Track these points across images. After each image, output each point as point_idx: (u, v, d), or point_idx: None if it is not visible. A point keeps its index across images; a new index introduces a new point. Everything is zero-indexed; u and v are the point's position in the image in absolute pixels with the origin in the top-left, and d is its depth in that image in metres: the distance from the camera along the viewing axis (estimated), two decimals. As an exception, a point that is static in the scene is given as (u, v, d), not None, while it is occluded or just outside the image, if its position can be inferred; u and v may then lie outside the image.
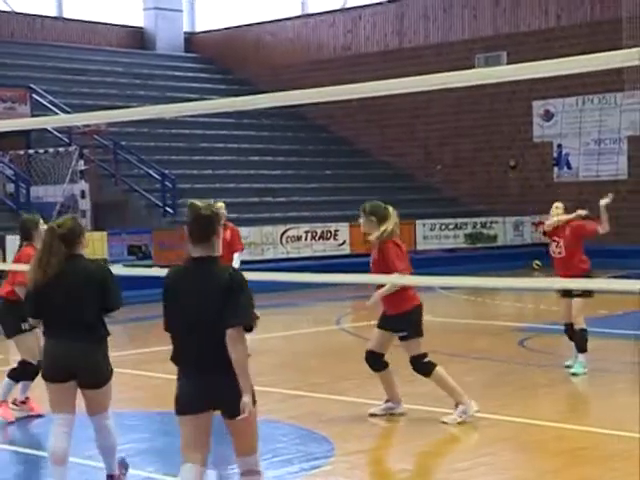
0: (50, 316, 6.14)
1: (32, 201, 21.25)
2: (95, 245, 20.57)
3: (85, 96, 26.36)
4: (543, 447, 7.34)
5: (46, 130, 22.48)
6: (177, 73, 31.05)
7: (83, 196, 21.66)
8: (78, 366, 6.03)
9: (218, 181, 25.46)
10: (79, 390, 6.15)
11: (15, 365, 8.47)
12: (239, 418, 4.95)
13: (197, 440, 5.18)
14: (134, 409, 8.86)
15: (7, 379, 8.47)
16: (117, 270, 7.66)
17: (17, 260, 8.16)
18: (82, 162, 21.65)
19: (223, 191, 25.21)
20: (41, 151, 22.18)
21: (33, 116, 22.06)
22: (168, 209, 22.75)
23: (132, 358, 11.57)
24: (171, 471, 6.86)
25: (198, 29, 34.23)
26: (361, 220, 8.50)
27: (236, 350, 4.94)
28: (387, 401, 8.37)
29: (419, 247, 24.81)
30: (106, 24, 31.71)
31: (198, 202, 5.23)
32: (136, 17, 32.79)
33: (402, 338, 8.24)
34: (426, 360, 8.21)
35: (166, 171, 23.42)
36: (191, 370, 5.10)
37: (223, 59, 32.67)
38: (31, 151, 22.40)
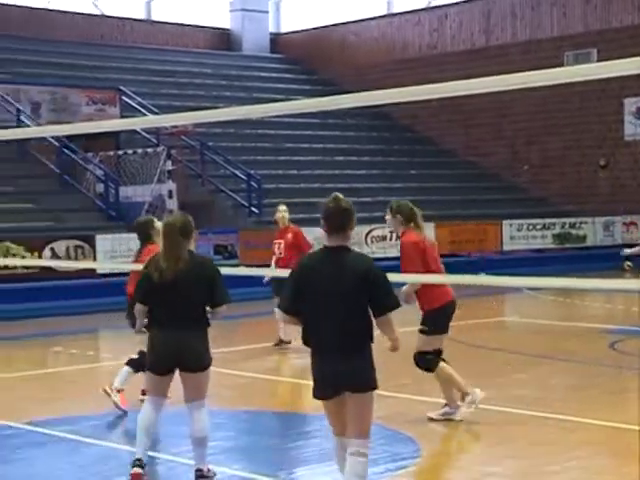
0: (161, 307, 6.41)
1: (121, 201, 21.59)
2: (182, 244, 20.83)
3: (173, 97, 26.70)
4: (635, 453, 7.18)
5: (135, 131, 22.82)
6: (263, 74, 31.24)
7: (170, 196, 21.92)
8: (184, 355, 6.37)
9: (303, 181, 25.57)
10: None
11: (135, 356, 8.68)
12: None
13: (340, 417, 5.43)
14: (221, 407, 8.93)
15: (126, 367, 8.75)
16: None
17: (142, 260, 8.28)
18: (170, 162, 21.93)
19: (308, 191, 25.30)
20: (130, 152, 22.53)
21: (122, 117, 22.44)
22: (254, 209, 22.91)
23: (218, 357, 11.65)
24: (256, 469, 6.90)
25: (284, 30, 34.41)
26: (387, 217, 8.44)
27: (393, 331, 5.53)
28: (445, 405, 8.29)
29: (505, 247, 24.64)
30: (194, 26, 32.09)
31: (340, 195, 5.48)
32: (223, 19, 33.11)
33: (421, 331, 8.22)
34: (430, 357, 8.17)
35: (252, 171, 23.59)
36: (324, 352, 5.30)
37: (308, 59, 32.78)
38: (120, 152, 22.77)
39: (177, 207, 21.95)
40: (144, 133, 23.44)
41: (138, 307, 6.61)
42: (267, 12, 33.59)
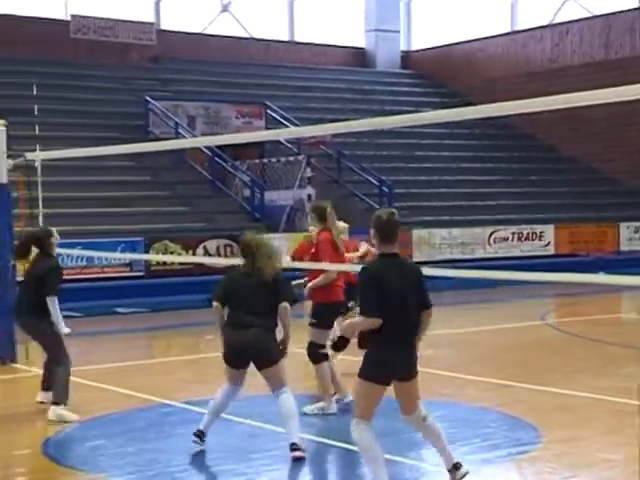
0: (238, 306, 6.69)
1: (265, 204, 21.90)
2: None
3: (313, 111, 26.92)
4: None
5: (278, 141, 23.10)
6: (394, 88, 31.19)
7: (310, 200, 22.11)
8: (256, 352, 6.66)
9: (431, 186, 25.42)
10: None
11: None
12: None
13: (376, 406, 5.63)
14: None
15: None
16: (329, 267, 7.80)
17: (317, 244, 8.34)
18: (309, 169, 22.11)
19: (436, 195, 25.16)
20: (274, 160, 22.82)
21: (267, 129, 22.74)
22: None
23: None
24: (397, 452, 6.88)
25: (414, 48, 34.27)
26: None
27: (428, 327, 5.66)
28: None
29: (623, 248, 24.05)
30: (332, 46, 32.27)
31: (385, 210, 5.73)
32: (358, 38, 33.20)
33: (311, 324, 8.09)
34: (322, 351, 8.01)
35: (384, 177, 23.61)
36: (397, 345, 5.51)
37: (437, 74, 32.55)
38: (265, 160, 23.10)
39: (310, 210, 22.09)
40: (287, 143, 23.72)
41: (215, 304, 6.84)
42: (399, 32, 33.51)
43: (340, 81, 30.35)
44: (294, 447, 6.59)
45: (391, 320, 5.48)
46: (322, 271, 8.11)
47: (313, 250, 8.42)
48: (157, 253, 18.56)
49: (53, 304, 7.98)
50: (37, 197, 11.60)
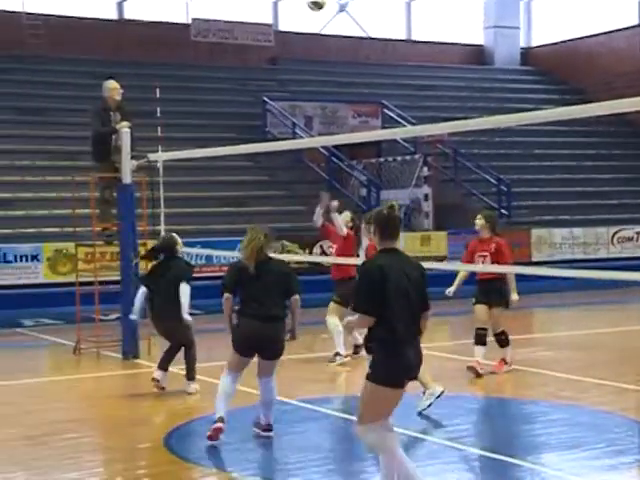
0: (253, 297, 7.04)
1: (381, 203, 21.89)
2: (437, 243, 20.87)
3: (430, 109, 26.76)
4: None
5: (395, 140, 23.06)
6: (513, 86, 30.70)
7: (426, 199, 22.02)
8: (272, 344, 7.07)
9: (551, 185, 24.95)
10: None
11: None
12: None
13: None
14: (474, 394, 8.88)
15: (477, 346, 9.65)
16: (454, 267, 7.73)
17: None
18: (426, 168, 22.01)
19: (555, 194, 24.68)
20: (390, 159, 22.80)
21: (384, 128, 22.73)
22: (503, 211, 22.59)
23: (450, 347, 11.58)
24: (504, 452, 6.80)
25: (534, 44, 33.64)
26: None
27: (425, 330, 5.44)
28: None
29: None
30: (450, 44, 32.00)
31: (390, 205, 5.55)
32: (477, 36, 32.82)
33: None
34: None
35: (502, 176, 23.28)
36: (405, 345, 5.27)
37: (558, 71, 31.86)
38: (382, 159, 23.10)
39: (432, 209, 22.02)
40: (403, 142, 23.65)
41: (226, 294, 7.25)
42: (518, 28, 32.96)
43: (458, 79, 30.07)
44: (270, 427, 7.24)
45: (399, 318, 5.23)
46: None
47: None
48: (274, 252, 18.72)
49: (187, 292, 8.89)
50: (159, 197, 11.89)
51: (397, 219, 5.47)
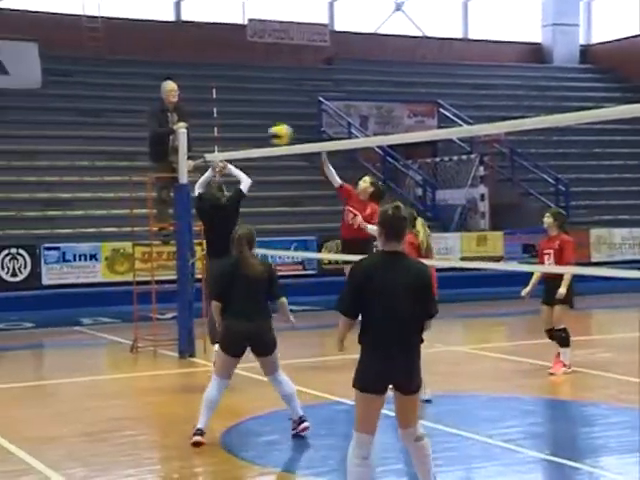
0: (234, 297, 7.10)
1: (437, 203, 21.80)
2: (493, 243, 20.70)
3: (486, 108, 26.55)
4: None
5: (451, 140, 22.93)
6: (572, 84, 30.31)
7: (482, 199, 21.85)
8: (258, 339, 7.13)
9: (610, 185, 24.62)
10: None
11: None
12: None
13: (377, 416, 5.22)
14: (531, 395, 8.79)
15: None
16: (512, 267, 7.64)
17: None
18: (482, 168, 21.86)
19: (615, 194, 24.35)
20: (446, 159, 22.68)
21: (439, 128, 22.61)
22: (561, 211, 22.28)
23: (523, 348, 11.47)
24: (562, 454, 6.72)
25: (594, 41, 33.18)
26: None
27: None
28: None
29: None
30: (507, 42, 31.71)
31: (400, 204, 5.38)
32: (534, 34, 32.49)
33: None
34: None
35: (560, 175, 23.02)
36: (383, 351, 5.09)
37: (619, 68, 31.37)
38: (437, 159, 22.99)
39: (488, 209, 21.84)
40: (459, 142, 23.50)
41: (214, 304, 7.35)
42: (578, 25, 32.54)
43: (515, 77, 29.80)
44: (303, 419, 7.22)
45: (378, 322, 5.09)
46: None
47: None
48: (329, 252, 18.79)
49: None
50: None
51: (402, 220, 5.25)
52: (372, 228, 10.27)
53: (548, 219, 9.97)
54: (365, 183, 10.88)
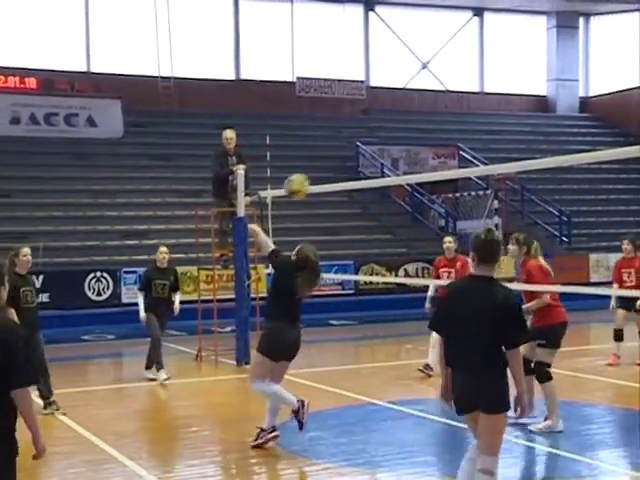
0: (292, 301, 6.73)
1: (458, 232, 21.66)
2: (506, 266, 20.49)
3: (500, 151, 26.39)
4: None
5: (469, 178, 22.83)
6: (573, 130, 30.08)
7: (497, 228, 21.67)
8: (298, 346, 6.80)
9: (607, 215, 24.39)
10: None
11: None
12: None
13: (472, 430, 4.68)
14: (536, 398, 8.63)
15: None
16: (518, 287, 7.41)
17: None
18: (496, 202, 21.70)
19: (610, 223, 24.08)
20: (465, 194, 22.56)
21: (460, 168, 22.53)
22: (564, 238, 22.16)
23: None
24: (578, 451, 6.58)
25: (591, 94, 32.92)
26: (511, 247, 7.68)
27: (514, 367, 4.51)
28: (546, 418, 7.21)
29: None
30: (517, 95, 31.56)
31: (493, 228, 4.89)
32: (540, 87, 32.31)
33: (539, 345, 7.19)
34: (546, 370, 7.15)
35: (563, 208, 22.82)
36: (461, 371, 4.56)
37: (612, 117, 31.07)
38: (458, 194, 22.88)
39: (501, 237, 21.65)
40: (476, 179, 23.39)
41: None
42: (578, 80, 32.32)
43: (524, 125, 29.63)
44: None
45: (453, 343, 4.61)
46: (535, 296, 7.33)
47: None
48: (365, 274, 18.78)
49: None
50: (267, 228, 12.02)
51: (495, 243, 4.59)
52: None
53: (628, 246, 10.65)
54: (450, 243, 10.44)
